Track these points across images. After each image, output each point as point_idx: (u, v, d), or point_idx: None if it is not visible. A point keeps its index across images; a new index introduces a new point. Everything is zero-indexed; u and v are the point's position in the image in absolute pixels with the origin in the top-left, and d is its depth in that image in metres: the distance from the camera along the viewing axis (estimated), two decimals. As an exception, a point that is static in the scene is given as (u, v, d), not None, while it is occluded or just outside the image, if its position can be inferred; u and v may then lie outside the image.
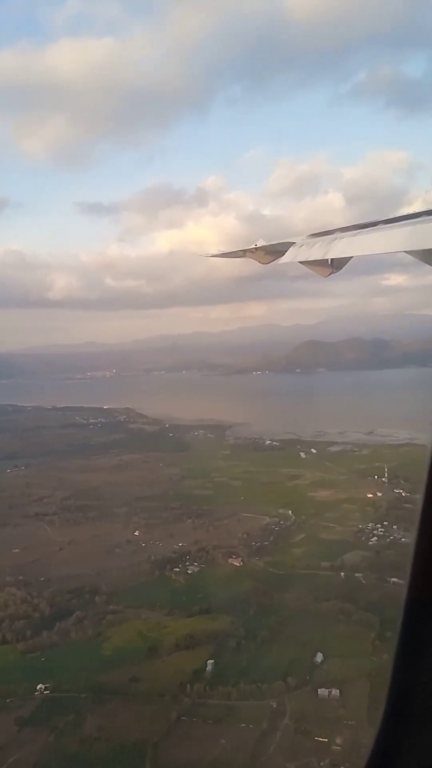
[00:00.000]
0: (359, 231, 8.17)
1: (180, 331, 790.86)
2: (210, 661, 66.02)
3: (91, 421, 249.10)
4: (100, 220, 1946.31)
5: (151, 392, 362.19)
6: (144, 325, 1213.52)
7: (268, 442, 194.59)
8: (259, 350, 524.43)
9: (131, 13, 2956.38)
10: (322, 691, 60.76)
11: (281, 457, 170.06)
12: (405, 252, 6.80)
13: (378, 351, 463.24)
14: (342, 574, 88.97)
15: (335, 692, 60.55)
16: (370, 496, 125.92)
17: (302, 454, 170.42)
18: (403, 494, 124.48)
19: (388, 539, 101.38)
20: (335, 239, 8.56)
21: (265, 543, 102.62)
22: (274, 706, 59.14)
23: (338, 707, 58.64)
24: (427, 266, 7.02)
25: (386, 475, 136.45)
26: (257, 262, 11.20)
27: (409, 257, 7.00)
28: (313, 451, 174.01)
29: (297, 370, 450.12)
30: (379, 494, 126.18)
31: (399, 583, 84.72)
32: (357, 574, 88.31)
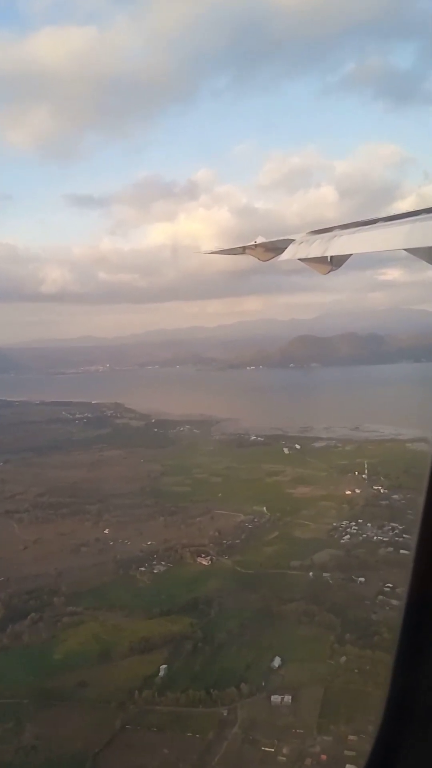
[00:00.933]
0: (359, 228, 8.17)
1: (177, 326, 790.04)
2: (163, 666, 63.87)
3: (77, 416, 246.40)
4: (90, 213, 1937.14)
5: (142, 387, 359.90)
6: (141, 319, 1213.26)
7: (252, 437, 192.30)
8: (254, 345, 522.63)
9: (113, 1, 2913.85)
10: (275, 698, 58.65)
11: (264, 453, 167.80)
12: (405, 250, 6.82)
13: (372, 346, 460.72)
14: (310, 573, 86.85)
15: (288, 699, 58.39)
16: (348, 493, 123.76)
17: (286, 450, 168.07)
18: (382, 491, 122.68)
19: (361, 537, 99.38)
20: (335, 236, 8.56)
21: (237, 541, 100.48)
22: (225, 713, 57.01)
23: (289, 715, 56.53)
24: (423, 261, 7.02)
25: (366, 471, 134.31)
26: (256, 259, 11.27)
27: (406, 252, 7.00)
28: (297, 446, 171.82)
29: (291, 365, 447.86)
30: (357, 491, 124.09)
31: (366, 582, 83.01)
32: (325, 574, 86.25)
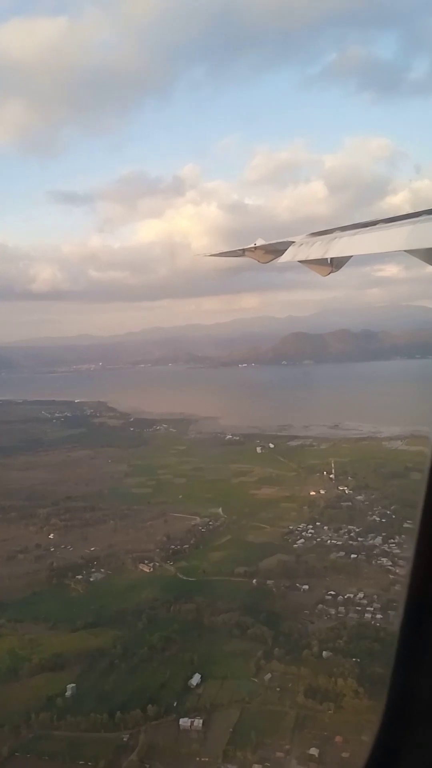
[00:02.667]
0: (358, 230, 8.10)
1: (174, 323, 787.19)
2: (71, 685, 59.17)
3: (56, 415, 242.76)
4: (76, 210, 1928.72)
5: (130, 385, 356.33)
6: (139, 317, 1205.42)
7: (228, 436, 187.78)
8: (248, 343, 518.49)
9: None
10: (184, 721, 53.98)
11: (237, 452, 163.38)
12: (405, 251, 6.72)
13: (365, 343, 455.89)
14: (254, 581, 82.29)
15: (198, 722, 53.76)
16: (312, 493, 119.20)
17: (259, 449, 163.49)
18: (347, 491, 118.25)
19: (315, 541, 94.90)
20: (335, 238, 8.48)
21: (185, 546, 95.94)
22: (125, 739, 52.38)
23: (195, 741, 51.88)
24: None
25: (333, 471, 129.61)
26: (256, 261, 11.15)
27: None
28: (271, 445, 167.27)
29: (283, 362, 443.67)
30: (322, 492, 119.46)
31: (309, 590, 78.46)
32: (269, 581, 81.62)
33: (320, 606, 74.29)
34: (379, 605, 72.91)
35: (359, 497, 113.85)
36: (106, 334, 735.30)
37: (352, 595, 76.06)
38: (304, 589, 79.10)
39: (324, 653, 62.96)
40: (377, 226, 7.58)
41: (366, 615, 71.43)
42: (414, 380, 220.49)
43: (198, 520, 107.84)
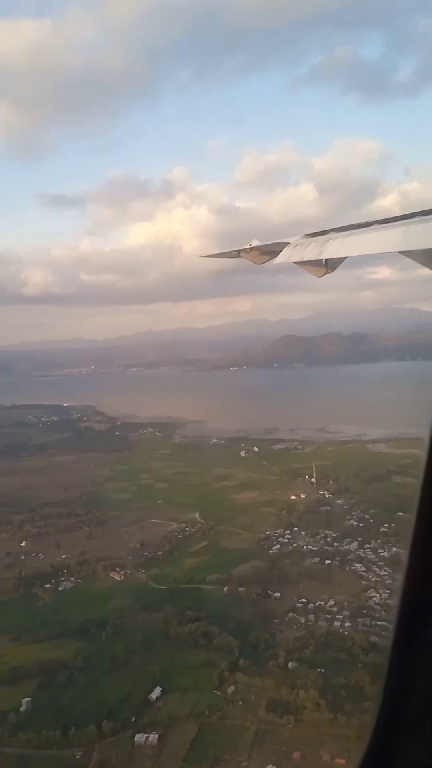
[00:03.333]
0: (353, 231, 8.12)
1: (168, 327, 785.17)
2: (26, 699, 57.44)
3: (43, 419, 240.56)
4: (65, 213, 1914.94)
5: (121, 389, 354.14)
6: (132, 320, 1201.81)
7: (214, 440, 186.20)
8: (240, 346, 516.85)
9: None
10: (140, 737, 52.29)
11: (221, 456, 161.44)
12: (399, 252, 6.76)
13: (356, 345, 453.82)
14: (226, 588, 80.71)
15: (154, 738, 52.10)
16: (293, 498, 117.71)
17: (243, 453, 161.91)
18: (327, 496, 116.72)
19: (291, 547, 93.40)
20: (329, 239, 8.52)
21: (159, 553, 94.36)
22: (78, 756, 50.67)
23: (149, 757, 50.21)
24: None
25: (315, 475, 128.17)
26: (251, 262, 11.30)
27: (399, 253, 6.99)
28: (256, 449, 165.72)
29: (275, 365, 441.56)
30: (302, 496, 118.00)
31: (281, 598, 76.95)
32: (241, 589, 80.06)
33: (291, 614, 72.76)
34: (348, 612, 71.62)
35: (339, 501, 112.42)
36: (99, 338, 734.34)
37: (323, 603, 74.62)
38: (275, 597, 77.60)
39: (290, 664, 61.41)
40: (372, 227, 7.63)
41: (335, 623, 70.04)
42: (403, 382, 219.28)
43: (175, 525, 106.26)
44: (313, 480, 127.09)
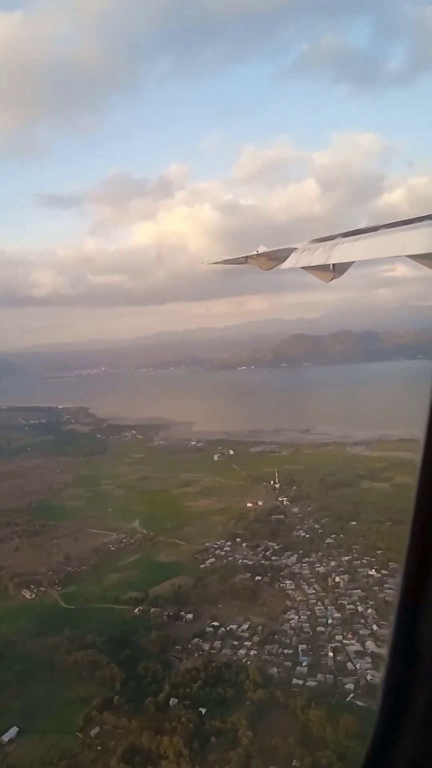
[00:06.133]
0: (360, 236, 8.06)
1: (185, 327, 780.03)
2: None
3: (31, 422, 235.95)
4: (64, 213, 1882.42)
5: (123, 390, 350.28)
6: (149, 321, 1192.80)
7: (193, 443, 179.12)
8: (251, 345, 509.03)
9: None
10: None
11: (193, 460, 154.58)
12: (408, 256, 6.78)
13: (367, 344, 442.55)
14: (137, 609, 73.44)
15: (-17, 792, 45.16)
16: (249, 505, 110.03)
17: (216, 457, 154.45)
18: (285, 503, 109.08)
19: (225, 561, 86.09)
20: (337, 244, 8.47)
21: (84, 568, 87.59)
22: None
23: None
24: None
25: (277, 481, 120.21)
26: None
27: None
28: (231, 452, 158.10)
29: (283, 365, 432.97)
30: (260, 503, 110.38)
31: (192, 620, 69.79)
32: (153, 609, 72.75)
33: (196, 640, 65.24)
34: (258, 638, 63.88)
35: (294, 509, 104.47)
36: (117, 339, 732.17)
37: (235, 627, 66.93)
38: (187, 619, 70.18)
39: (171, 701, 53.94)
40: (379, 231, 7.57)
41: (241, 650, 62.43)
42: (409, 382, 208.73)
43: (113, 536, 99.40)
44: (277, 486, 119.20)
